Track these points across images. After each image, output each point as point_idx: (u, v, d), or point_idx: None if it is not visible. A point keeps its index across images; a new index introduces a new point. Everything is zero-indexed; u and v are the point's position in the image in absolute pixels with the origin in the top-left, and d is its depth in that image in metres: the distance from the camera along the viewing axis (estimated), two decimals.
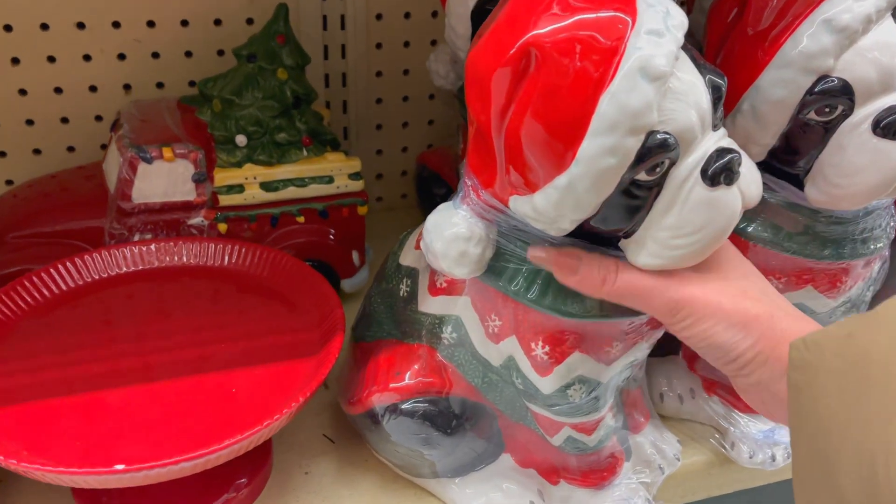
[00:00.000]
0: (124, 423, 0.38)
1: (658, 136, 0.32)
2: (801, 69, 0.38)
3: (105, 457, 0.35)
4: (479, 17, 0.50)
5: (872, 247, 0.43)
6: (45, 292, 0.46)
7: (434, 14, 0.65)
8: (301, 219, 0.56)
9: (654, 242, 0.35)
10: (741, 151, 0.35)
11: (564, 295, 0.37)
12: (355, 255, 0.59)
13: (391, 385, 0.42)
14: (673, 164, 0.33)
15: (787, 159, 0.41)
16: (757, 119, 0.40)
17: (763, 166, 0.43)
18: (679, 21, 0.33)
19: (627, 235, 0.35)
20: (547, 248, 0.36)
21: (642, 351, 0.41)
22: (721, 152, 0.33)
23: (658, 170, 0.33)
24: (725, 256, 0.37)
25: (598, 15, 0.32)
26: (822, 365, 0.29)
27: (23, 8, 0.55)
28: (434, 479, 0.45)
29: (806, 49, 0.38)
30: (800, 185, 0.41)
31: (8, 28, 0.56)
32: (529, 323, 0.38)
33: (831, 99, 0.38)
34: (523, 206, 0.35)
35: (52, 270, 0.46)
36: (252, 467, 0.44)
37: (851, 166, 0.38)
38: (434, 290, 0.42)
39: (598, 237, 0.36)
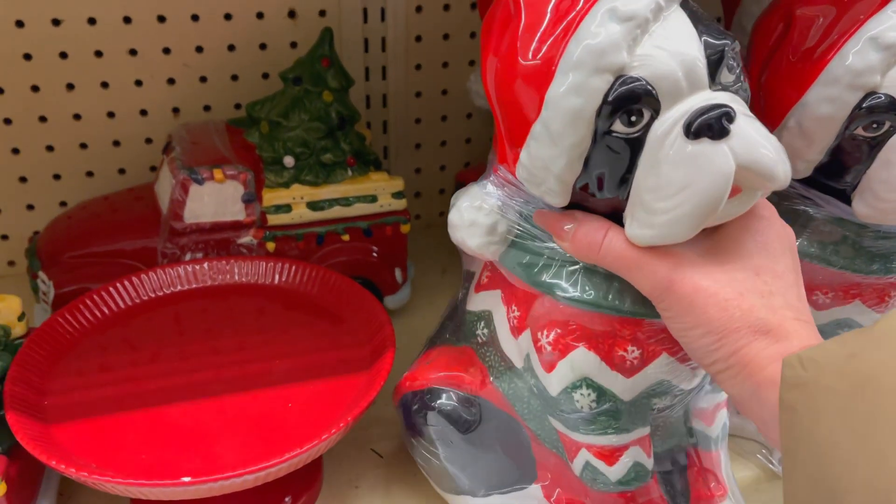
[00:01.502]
0: (185, 437, 0.39)
1: (629, 79, 0.31)
2: (848, 86, 0.38)
3: (169, 470, 0.37)
4: None
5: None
6: (105, 310, 0.47)
7: (472, 35, 0.66)
8: (346, 237, 0.57)
9: (640, 208, 0.32)
10: (740, 109, 0.32)
11: (569, 281, 0.36)
12: (398, 273, 0.60)
13: (421, 372, 0.42)
14: (654, 118, 0.32)
15: (834, 175, 0.41)
16: (803, 136, 0.40)
17: (810, 182, 0.43)
18: None
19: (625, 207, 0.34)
20: (547, 211, 0.35)
21: (679, 375, 0.37)
22: (711, 107, 0.31)
23: (634, 120, 0.31)
24: (747, 246, 0.33)
25: None
26: (820, 384, 0.27)
27: (78, 36, 0.57)
28: (458, 496, 0.43)
29: (853, 66, 0.38)
30: (847, 200, 0.42)
31: (63, 55, 0.58)
32: (538, 312, 0.37)
33: (879, 115, 0.38)
34: (519, 170, 0.35)
35: (110, 289, 0.48)
36: (305, 482, 0.44)
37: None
38: (478, 287, 0.42)
39: (602, 210, 0.34)
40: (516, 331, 0.39)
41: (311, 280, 0.51)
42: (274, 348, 0.45)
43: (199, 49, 0.61)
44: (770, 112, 0.42)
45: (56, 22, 0.57)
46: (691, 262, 0.32)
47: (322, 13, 0.62)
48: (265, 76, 0.63)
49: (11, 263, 0.64)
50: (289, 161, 0.55)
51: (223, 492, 0.36)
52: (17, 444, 0.38)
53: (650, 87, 0.31)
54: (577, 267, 0.36)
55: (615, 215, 0.34)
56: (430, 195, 0.72)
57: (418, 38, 0.65)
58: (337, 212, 0.56)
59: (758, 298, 0.32)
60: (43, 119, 0.60)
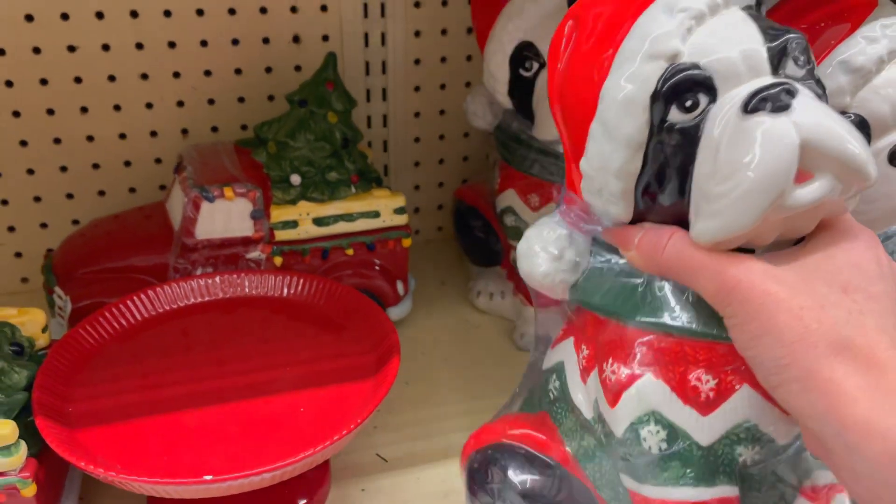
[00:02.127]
0: (203, 440, 0.41)
1: (682, 65, 0.30)
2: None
3: (190, 469, 0.39)
4: (516, 62, 0.54)
5: None
6: (123, 322, 0.49)
7: (468, 58, 0.69)
8: (350, 251, 0.60)
9: (702, 201, 0.30)
10: (807, 92, 0.30)
11: (633, 303, 0.33)
12: (400, 285, 0.62)
13: (488, 428, 0.40)
14: (711, 104, 0.30)
15: None
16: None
17: None
18: None
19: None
20: (616, 227, 0.34)
21: (768, 418, 0.32)
22: (771, 85, 0.29)
23: (689, 106, 0.30)
24: (836, 261, 0.29)
25: None
26: None
27: (92, 61, 0.60)
28: None
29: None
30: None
31: (78, 80, 0.61)
32: (604, 340, 0.34)
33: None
34: (582, 184, 0.34)
35: (127, 302, 0.50)
36: (314, 485, 0.47)
37: (870, 194, 0.41)
38: (553, 343, 0.40)
39: (669, 222, 0.32)
40: (585, 372, 0.36)
41: (318, 292, 0.53)
42: (284, 356, 0.48)
43: (208, 73, 0.63)
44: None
45: (71, 48, 0.59)
46: (765, 267, 0.29)
47: (325, 38, 0.65)
48: (271, 98, 0.66)
49: (25, 280, 0.66)
50: (295, 179, 0.58)
51: (242, 490, 0.38)
52: (44, 448, 0.41)
53: (704, 72, 0.30)
54: (642, 285, 0.33)
55: (684, 225, 0.32)
56: (429, 211, 0.75)
57: (417, 62, 0.68)
58: (341, 227, 0.59)
59: (844, 314, 0.27)
60: (57, 141, 0.62)
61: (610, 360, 0.34)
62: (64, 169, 0.63)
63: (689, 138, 0.30)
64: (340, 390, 0.45)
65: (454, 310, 0.66)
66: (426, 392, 0.57)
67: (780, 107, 0.28)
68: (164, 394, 0.44)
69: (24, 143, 0.62)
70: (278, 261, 0.58)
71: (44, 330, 0.46)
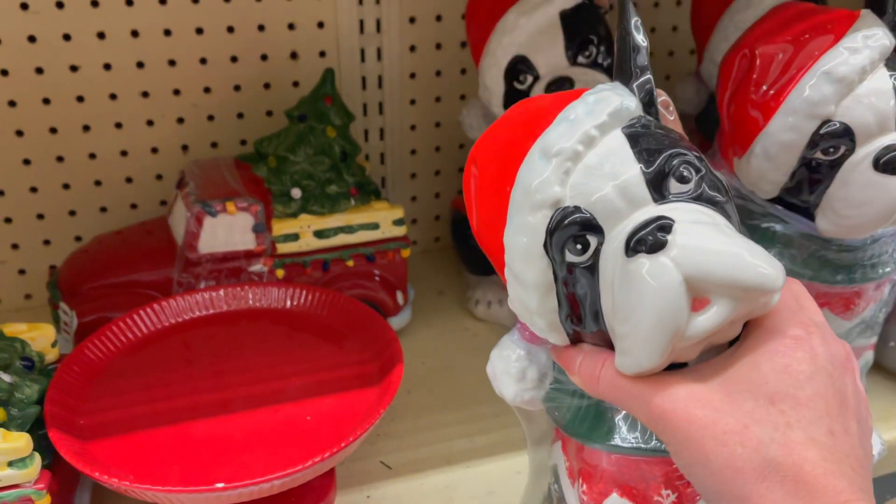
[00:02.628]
0: (212, 449, 0.42)
1: (566, 210, 0.30)
2: (806, 115, 0.43)
3: (201, 478, 0.40)
4: (511, 75, 0.55)
5: (881, 271, 0.48)
6: (130, 335, 0.50)
7: (463, 71, 0.70)
8: (350, 263, 0.61)
9: (613, 336, 0.31)
10: (687, 218, 0.30)
11: (591, 426, 0.34)
12: (399, 295, 0.63)
13: None
14: (601, 243, 0.30)
15: (799, 194, 0.46)
16: (769, 160, 0.45)
17: (777, 201, 0.48)
18: None
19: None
20: (560, 346, 0.34)
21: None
22: (645, 223, 0.29)
23: (581, 248, 0.30)
24: (762, 370, 0.28)
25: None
26: None
27: (94, 80, 0.61)
28: None
29: (809, 98, 0.42)
30: (811, 217, 0.46)
31: (80, 99, 0.62)
32: (574, 460, 0.37)
33: (834, 140, 0.43)
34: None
35: (133, 316, 0.51)
36: (321, 492, 0.47)
37: (856, 199, 0.43)
38: (553, 440, 0.41)
39: (603, 343, 0.33)
40: (571, 480, 0.38)
41: (320, 303, 0.54)
42: (289, 367, 0.49)
43: (207, 90, 0.65)
44: (738, 139, 0.46)
45: (74, 68, 0.60)
46: (689, 391, 0.28)
47: (322, 54, 0.66)
48: (269, 114, 0.67)
49: (29, 297, 0.67)
50: (296, 193, 0.59)
51: (251, 497, 0.39)
52: (56, 460, 0.41)
53: (587, 214, 0.30)
54: (592, 408, 0.35)
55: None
56: (426, 222, 0.76)
57: (412, 76, 0.69)
58: (341, 239, 0.60)
59: (769, 432, 0.26)
60: (60, 159, 0.63)
61: (580, 481, 0.36)
62: (66, 186, 0.64)
63: (589, 277, 0.31)
64: (345, 399, 0.46)
65: (453, 318, 0.67)
66: (428, 400, 0.58)
67: (656, 246, 0.28)
68: (172, 405, 0.45)
69: (27, 162, 0.63)
70: (280, 273, 0.59)
71: (53, 345, 0.47)
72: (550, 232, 0.31)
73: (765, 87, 0.44)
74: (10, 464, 0.38)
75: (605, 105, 0.32)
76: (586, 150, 0.31)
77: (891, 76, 0.42)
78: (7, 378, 0.42)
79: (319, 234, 0.59)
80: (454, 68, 0.70)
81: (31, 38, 0.59)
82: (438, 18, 0.68)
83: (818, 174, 0.44)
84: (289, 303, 0.55)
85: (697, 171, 0.31)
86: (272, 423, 0.44)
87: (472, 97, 0.64)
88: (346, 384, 0.48)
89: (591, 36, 0.55)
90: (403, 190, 0.74)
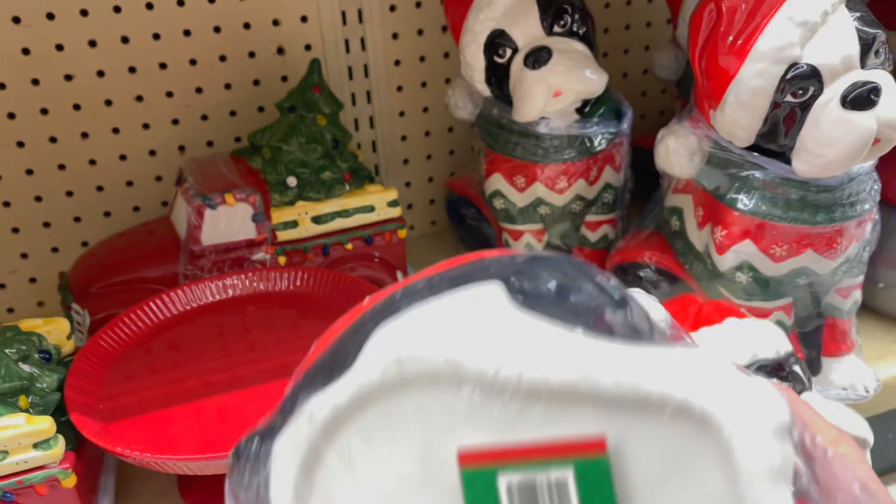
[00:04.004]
0: (225, 423, 0.44)
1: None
2: (774, 60, 0.44)
3: (217, 447, 0.41)
4: (490, 50, 0.57)
5: (860, 209, 0.49)
6: (141, 325, 0.52)
7: (446, 55, 0.72)
8: (349, 246, 0.62)
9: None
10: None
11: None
12: (399, 275, 0.65)
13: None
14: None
15: (774, 139, 0.47)
16: (742, 108, 0.46)
17: (754, 149, 0.49)
18: None
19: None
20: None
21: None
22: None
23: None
24: None
25: None
26: None
27: (89, 88, 0.63)
28: None
29: (775, 43, 0.44)
30: (787, 160, 0.48)
31: (77, 107, 0.64)
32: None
33: (802, 82, 0.45)
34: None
35: (144, 307, 0.53)
36: None
37: (828, 138, 0.45)
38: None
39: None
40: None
41: (324, 283, 0.56)
42: (298, 343, 0.51)
43: (199, 90, 0.66)
44: (712, 90, 0.48)
45: (68, 77, 0.62)
46: None
47: (308, 47, 0.68)
48: (261, 109, 0.69)
49: (41, 304, 0.69)
50: (291, 181, 0.60)
51: None
52: (79, 444, 0.43)
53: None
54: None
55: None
56: (421, 206, 0.78)
57: (397, 63, 0.71)
58: (339, 223, 0.62)
59: None
60: (62, 167, 0.65)
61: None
62: (70, 194, 0.66)
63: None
64: None
65: None
66: None
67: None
68: (185, 385, 0.47)
69: (29, 172, 0.64)
70: (282, 260, 0.61)
71: (68, 337, 0.49)
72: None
73: (731, 38, 0.46)
74: (35, 446, 0.40)
75: None
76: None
77: (851, 16, 0.44)
78: (27, 368, 0.43)
79: (317, 219, 0.61)
80: (437, 53, 0.72)
81: (25, 51, 0.61)
82: (418, 5, 0.70)
83: (790, 117, 0.46)
84: (292, 285, 0.56)
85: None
86: (282, 394, 0.46)
87: (456, 78, 0.66)
88: None
89: (564, 6, 0.56)
90: (397, 176, 0.76)
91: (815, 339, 0.55)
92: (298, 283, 0.56)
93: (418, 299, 0.26)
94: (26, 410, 0.42)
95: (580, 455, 0.23)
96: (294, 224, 0.61)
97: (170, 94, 0.66)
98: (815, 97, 0.45)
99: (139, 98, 0.65)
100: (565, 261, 0.26)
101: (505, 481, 0.23)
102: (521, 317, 0.24)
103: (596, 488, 0.22)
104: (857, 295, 0.55)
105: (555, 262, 0.26)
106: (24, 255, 0.67)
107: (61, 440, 0.41)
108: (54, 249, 0.68)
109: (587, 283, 0.25)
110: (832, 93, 0.44)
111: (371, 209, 0.62)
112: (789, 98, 0.45)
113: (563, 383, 0.23)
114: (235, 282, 0.56)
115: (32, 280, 0.68)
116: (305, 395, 0.26)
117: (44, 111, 0.63)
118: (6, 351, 0.43)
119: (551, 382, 0.23)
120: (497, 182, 0.63)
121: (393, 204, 0.63)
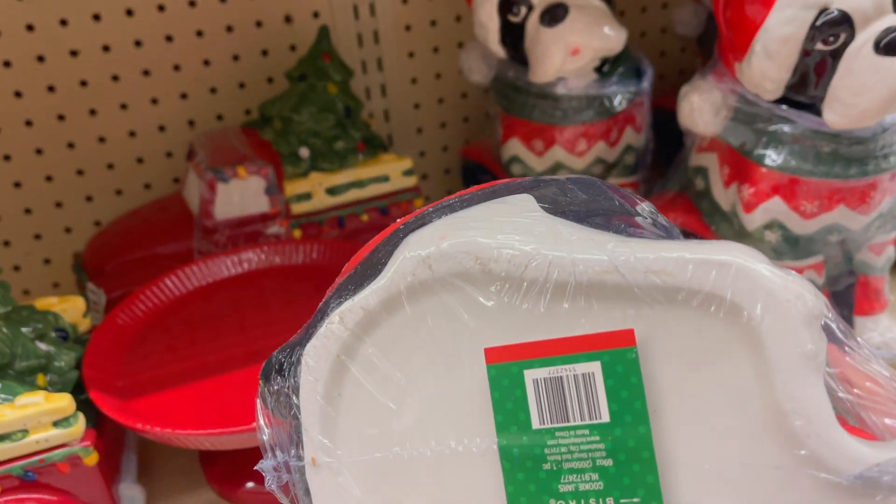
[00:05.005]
0: (245, 397, 0.43)
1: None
2: (803, 6, 0.42)
3: (238, 420, 0.40)
4: (504, 9, 0.55)
5: (894, 161, 0.47)
6: (157, 301, 0.51)
7: (458, 19, 0.70)
8: (365, 217, 0.61)
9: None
10: None
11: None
12: None
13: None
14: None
15: (804, 90, 0.45)
16: (770, 57, 0.44)
17: (782, 101, 0.47)
18: None
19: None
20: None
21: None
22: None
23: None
24: None
25: None
26: None
27: (95, 64, 0.62)
28: None
29: None
30: (818, 112, 0.46)
31: (84, 83, 0.63)
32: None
33: (833, 28, 0.42)
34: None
35: (160, 284, 0.52)
36: None
37: (861, 86, 0.43)
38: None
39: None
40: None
41: (340, 255, 0.55)
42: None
43: (207, 63, 0.65)
44: (737, 41, 0.46)
45: (73, 53, 0.61)
46: None
47: (315, 15, 0.66)
48: (270, 81, 0.67)
49: (56, 285, 0.68)
50: (304, 152, 0.59)
51: None
52: (99, 422, 0.43)
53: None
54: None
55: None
56: (436, 176, 0.76)
57: (408, 28, 0.69)
58: (354, 194, 0.61)
59: None
60: (71, 145, 0.64)
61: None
62: (80, 172, 0.65)
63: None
64: None
65: None
66: None
67: None
68: (203, 360, 0.46)
69: (39, 152, 0.64)
70: (297, 234, 0.60)
71: (84, 315, 0.48)
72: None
73: None
74: (56, 424, 0.39)
75: None
76: None
77: None
78: (44, 347, 0.43)
79: (331, 191, 0.60)
80: (449, 16, 0.70)
81: (29, 27, 0.59)
82: None
83: (820, 66, 0.44)
84: (310, 258, 0.55)
85: None
86: None
87: (470, 41, 0.64)
88: None
89: None
90: (410, 146, 0.74)
91: (847, 299, 0.53)
92: (315, 256, 0.55)
93: (450, 212, 0.26)
94: (44, 389, 0.41)
95: (608, 348, 0.23)
96: (308, 196, 0.60)
97: (177, 68, 0.64)
98: (846, 44, 0.43)
99: (146, 73, 0.64)
100: (592, 179, 0.27)
101: (532, 376, 0.23)
102: (550, 219, 0.24)
103: (623, 380, 0.23)
104: (891, 251, 0.53)
105: (583, 179, 0.26)
106: (37, 237, 0.66)
107: (81, 417, 0.40)
108: (67, 230, 0.67)
109: (613, 193, 0.26)
110: (864, 38, 0.42)
111: (386, 179, 0.61)
112: (819, 46, 0.43)
113: (590, 277, 0.23)
114: (251, 256, 0.55)
115: (47, 261, 0.67)
116: (336, 303, 0.26)
117: (50, 88, 0.62)
118: (22, 330, 0.42)
119: (579, 276, 0.23)
120: (514, 147, 0.61)
121: (408, 173, 0.62)
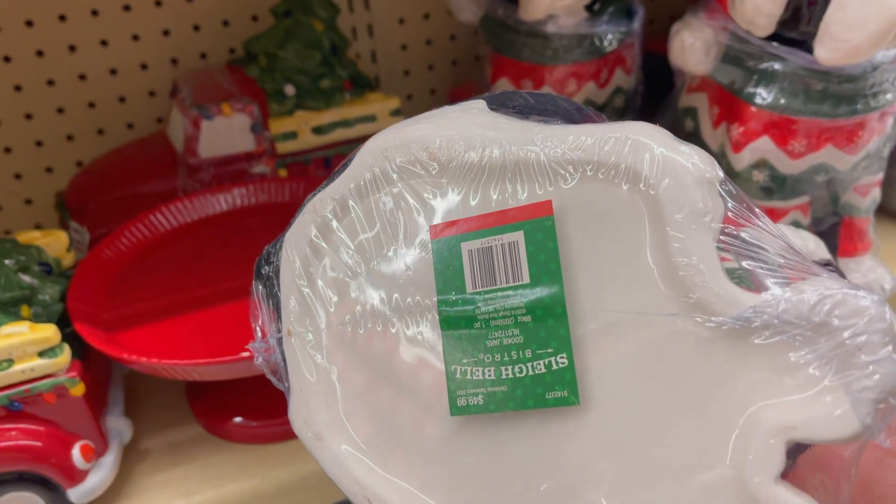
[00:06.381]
0: (230, 331, 0.43)
1: None
2: None
3: (224, 351, 0.40)
4: None
5: (883, 99, 0.47)
6: (141, 236, 0.51)
7: None
8: None
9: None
10: None
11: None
12: None
13: None
14: None
15: (796, 25, 0.45)
16: None
17: (774, 38, 0.47)
18: None
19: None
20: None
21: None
22: None
23: None
24: None
25: None
26: None
27: None
28: None
29: None
30: (809, 49, 0.45)
31: (62, 18, 0.61)
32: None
33: None
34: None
35: (145, 220, 0.52)
36: None
37: (854, 19, 0.42)
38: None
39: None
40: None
41: None
42: None
43: None
44: None
45: None
46: None
47: None
48: (255, 18, 0.66)
49: (38, 226, 0.68)
50: (289, 90, 0.58)
51: None
52: (85, 354, 0.42)
53: None
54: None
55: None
56: None
57: None
58: (340, 134, 0.60)
59: None
60: (51, 82, 0.63)
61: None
62: (61, 110, 0.64)
63: None
64: None
65: None
66: None
67: None
68: (189, 294, 0.46)
69: (18, 88, 0.62)
70: (283, 173, 0.59)
71: (67, 250, 0.47)
72: None
73: None
74: (41, 354, 0.39)
75: None
76: None
77: None
78: (27, 279, 0.42)
79: (318, 130, 0.59)
80: None
81: None
82: None
83: (812, 0, 0.43)
84: (295, 197, 0.55)
85: None
86: None
87: None
88: None
89: None
90: (397, 88, 0.73)
91: (831, 240, 0.54)
92: (301, 194, 0.55)
93: (414, 122, 0.29)
94: (29, 320, 0.41)
95: (530, 219, 0.27)
96: (294, 135, 0.59)
97: (158, 4, 0.63)
98: None
99: (126, 7, 0.62)
100: (554, 95, 0.30)
101: (467, 248, 0.27)
102: (492, 115, 0.28)
103: (542, 245, 0.26)
104: (877, 193, 0.53)
105: (544, 94, 0.30)
106: (17, 176, 0.65)
107: (67, 348, 0.40)
108: (48, 170, 0.66)
109: (558, 99, 0.29)
110: None
111: (373, 119, 0.60)
112: None
113: (518, 156, 0.27)
114: (236, 193, 0.55)
115: (28, 202, 0.66)
116: (312, 196, 0.30)
117: (29, 23, 0.60)
118: (5, 262, 0.42)
119: (507, 156, 0.27)
120: (503, 87, 0.61)
121: (396, 113, 0.61)
